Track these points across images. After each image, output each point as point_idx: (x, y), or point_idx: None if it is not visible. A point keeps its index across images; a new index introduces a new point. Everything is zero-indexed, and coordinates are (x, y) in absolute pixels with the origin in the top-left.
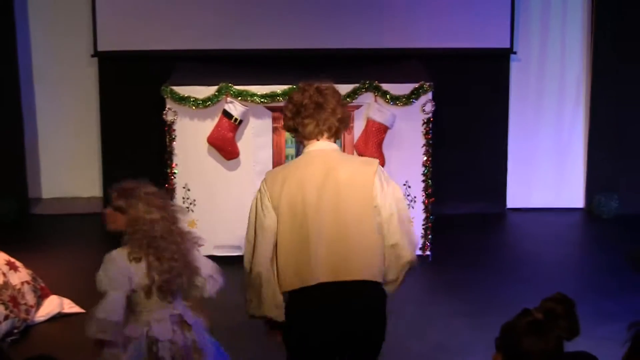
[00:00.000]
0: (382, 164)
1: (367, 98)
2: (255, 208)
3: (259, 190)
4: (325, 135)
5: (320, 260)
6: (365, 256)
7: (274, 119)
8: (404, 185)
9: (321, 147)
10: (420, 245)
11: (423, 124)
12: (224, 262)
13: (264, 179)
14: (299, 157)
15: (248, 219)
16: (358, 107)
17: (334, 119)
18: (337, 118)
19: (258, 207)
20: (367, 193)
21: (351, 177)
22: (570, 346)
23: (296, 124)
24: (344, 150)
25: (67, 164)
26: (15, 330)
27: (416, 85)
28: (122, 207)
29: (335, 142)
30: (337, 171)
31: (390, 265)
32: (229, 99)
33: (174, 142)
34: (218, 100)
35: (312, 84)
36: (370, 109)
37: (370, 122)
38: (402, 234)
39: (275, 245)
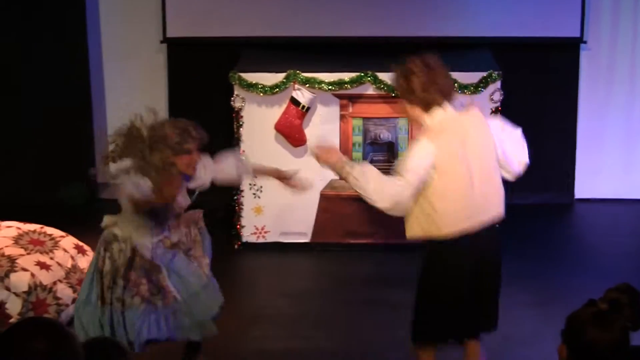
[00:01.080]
0: None
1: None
2: (419, 155)
3: (422, 144)
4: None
5: (480, 203)
6: (499, 195)
7: (342, 107)
8: None
9: (450, 111)
10: None
11: (491, 113)
12: (290, 249)
13: (425, 139)
14: (439, 122)
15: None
16: None
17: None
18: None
19: (421, 155)
20: (491, 137)
21: (479, 127)
22: (637, 336)
23: (428, 94)
24: (410, 139)
25: None
26: None
27: (485, 74)
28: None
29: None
30: (470, 125)
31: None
32: (296, 86)
33: (242, 129)
34: (286, 87)
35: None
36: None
37: None
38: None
39: (429, 194)
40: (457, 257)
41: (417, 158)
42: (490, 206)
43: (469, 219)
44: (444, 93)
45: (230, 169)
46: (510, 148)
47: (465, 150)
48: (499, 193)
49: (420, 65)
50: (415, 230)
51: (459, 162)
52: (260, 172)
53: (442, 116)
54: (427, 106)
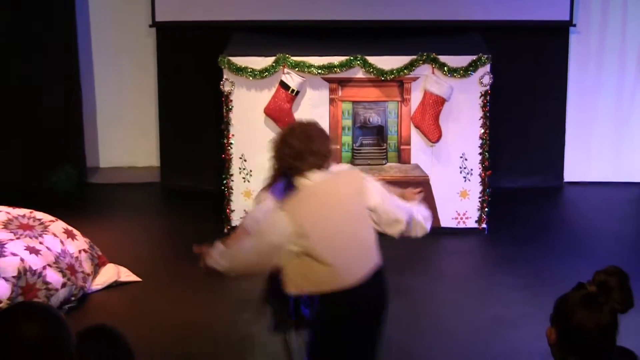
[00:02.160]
0: (439, 136)
1: (424, 70)
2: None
3: (278, 216)
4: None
5: (350, 265)
6: (372, 248)
7: (331, 90)
8: (461, 157)
9: (317, 177)
10: (476, 219)
11: (480, 97)
12: None
13: (282, 211)
14: (305, 187)
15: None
16: (415, 79)
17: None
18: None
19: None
20: (362, 198)
21: (349, 189)
22: (625, 319)
23: (299, 163)
24: (400, 123)
25: (125, 133)
26: (73, 298)
27: (474, 57)
28: None
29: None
30: (338, 187)
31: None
32: (286, 69)
33: (231, 113)
34: (275, 71)
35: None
36: (427, 81)
37: (427, 95)
38: (398, 210)
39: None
40: (341, 315)
41: (268, 228)
42: (365, 261)
43: (347, 277)
44: (316, 164)
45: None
46: (387, 216)
47: (333, 211)
48: (372, 246)
49: (299, 134)
50: (293, 287)
51: (328, 225)
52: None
53: (307, 183)
54: (293, 172)
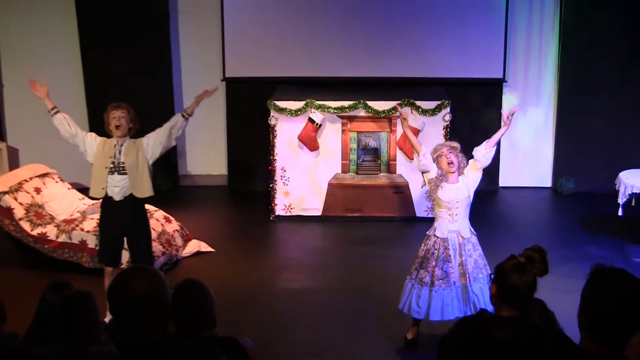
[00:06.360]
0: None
1: (406, 110)
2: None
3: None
4: None
5: None
6: None
7: (343, 124)
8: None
9: None
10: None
11: (443, 129)
12: (308, 220)
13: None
14: None
15: None
16: (399, 116)
17: None
18: None
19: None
20: None
21: None
22: (541, 282)
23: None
24: (389, 146)
25: (204, 152)
26: (169, 262)
27: (439, 102)
28: None
29: None
30: None
31: None
32: (312, 109)
33: (275, 139)
34: (305, 111)
35: None
36: (408, 117)
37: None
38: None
39: None
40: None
41: None
42: None
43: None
44: None
45: None
46: None
47: None
48: None
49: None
50: None
51: None
52: None
53: None
54: None
